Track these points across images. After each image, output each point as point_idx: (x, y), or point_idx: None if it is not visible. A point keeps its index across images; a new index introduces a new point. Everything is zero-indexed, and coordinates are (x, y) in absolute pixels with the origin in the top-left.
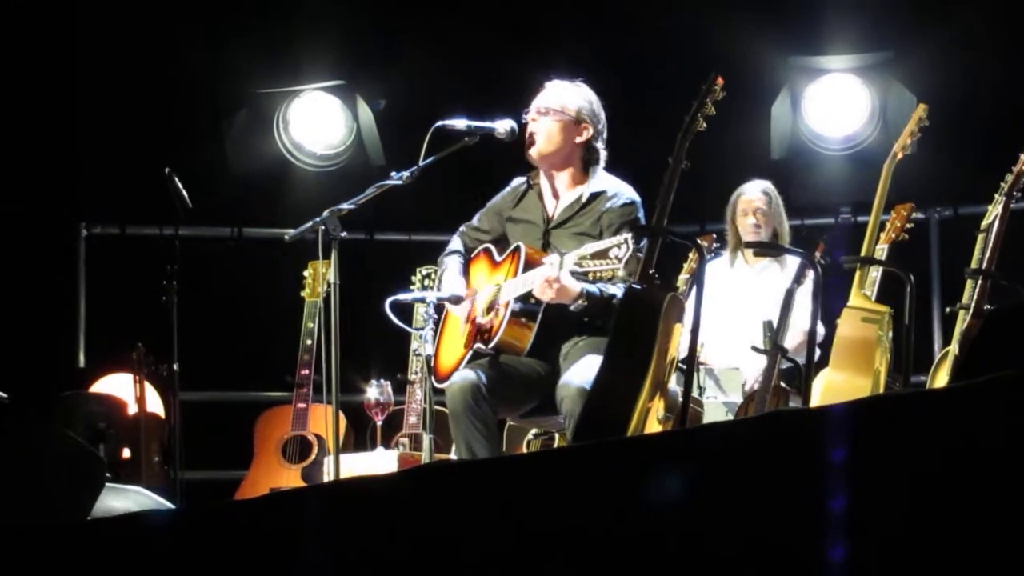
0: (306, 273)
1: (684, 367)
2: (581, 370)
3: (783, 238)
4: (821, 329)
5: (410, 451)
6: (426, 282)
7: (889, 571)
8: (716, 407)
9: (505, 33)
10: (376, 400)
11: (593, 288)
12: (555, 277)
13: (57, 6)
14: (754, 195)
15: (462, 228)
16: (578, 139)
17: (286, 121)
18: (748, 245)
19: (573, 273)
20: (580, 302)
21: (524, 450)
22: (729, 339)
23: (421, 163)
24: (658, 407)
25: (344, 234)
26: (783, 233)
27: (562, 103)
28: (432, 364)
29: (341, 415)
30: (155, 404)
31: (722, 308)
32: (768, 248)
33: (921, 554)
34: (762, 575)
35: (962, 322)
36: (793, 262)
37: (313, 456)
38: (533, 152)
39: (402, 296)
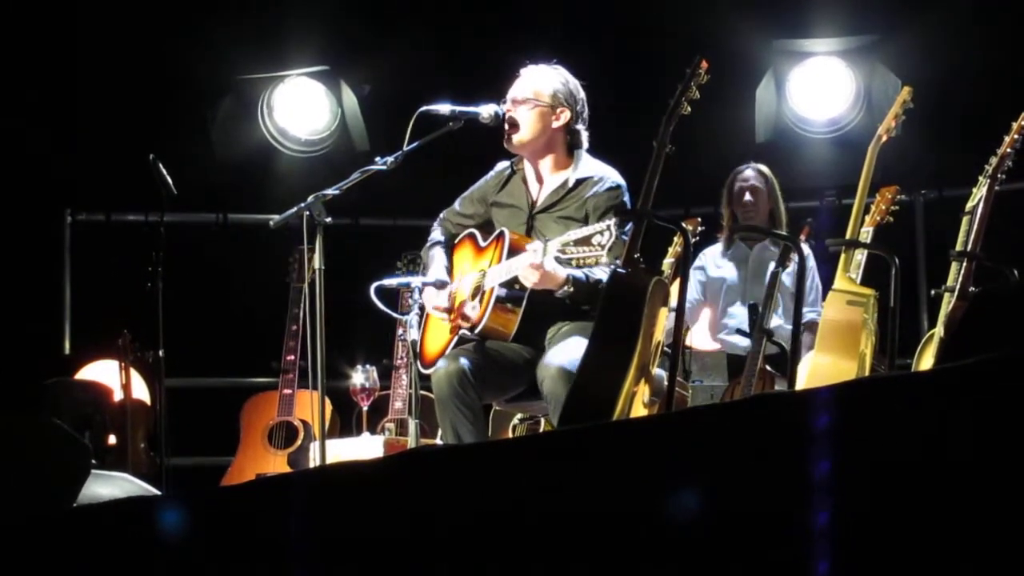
0: (291, 259)
1: (670, 351)
2: (562, 351)
3: (780, 221)
4: None
5: (396, 436)
6: (411, 267)
7: (874, 553)
8: (702, 391)
9: (489, 18)
10: (362, 385)
11: (579, 273)
12: (539, 263)
13: None
14: (748, 173)
15: (443, 215)
16: (555, 124)
17: (270, 107)
18: (735, 229)
19: (557, 259)
20: (566, 288)
21: (510, 435)
22: (729, 322)
23: (405, 148)
24: (643, 391)
25: (329, 219)
26: (780, 216)
27: (536, 90)
28: (418, 349)
29: (327, 401)
30: (141, 391)
31: (720, 291)
32: (754, 231)
33: (906, 535)
34: (748, 557)
35: (947, 304)
36: None
37: (299, 442)
38: (511, 142)
39: (387, 281)
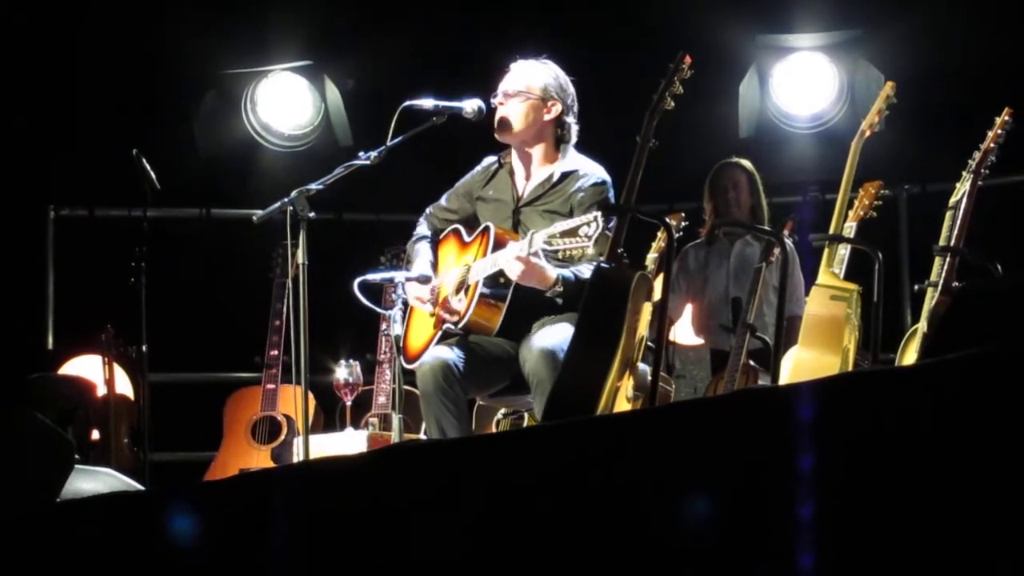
0: (275, 254)
1: (653, 345)
2: (546, 334)
3: (761, 216)
4: None
5: (379, 431)
6: (394, 262)
7: (857, 545)
8: (685, 385)
9: (472, 13)
10: (345, 380)
11: (568, 273)
12: (524, 255)
13: None
14: (730, 167)
15: (429, 210)
16: (547, 116)
17: (254, 102)
18: (717, 224)
19: (543, 251)
20: (556, 288)
21: (494, 429)
22: (711, 317)
23: (389, 143)
24: (627, 386)
25: (312, 214)
26: (762, 211)
27: (527, 83)
28: (401, 344)
29: (310, 395)
30: (124, 386)
31: (703, 287)
32: (736, 227)
33: (888, 528)
34: (731, 552)
35: (931, 299)
36: None
37: (282, 437)
38: (502, 134)
39: (371, 276)
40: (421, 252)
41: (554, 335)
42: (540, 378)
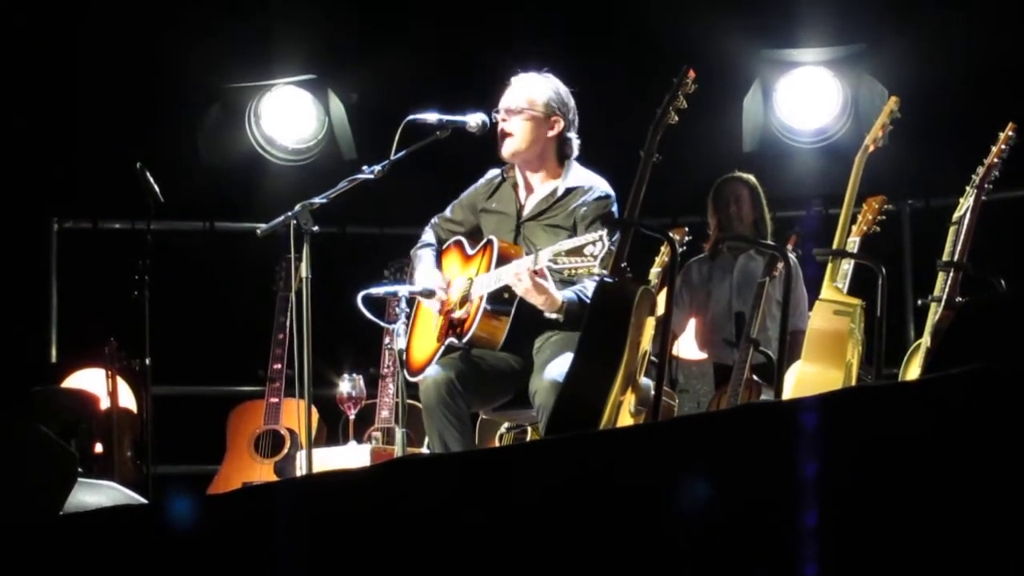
0: (278, 267)
1: (656, 360)
2: (556, 365)
3: (764, 230)
4: None
5: (383, 445)
6: (397, 275)
7: (861, 565)
8: (688, 400)
9: (476, 26)
10: (348, 394)
11: (572, 296)
12: (530, 272)
13: (28, 2)
14: (733, 181)
15: (434, 220)
16: (550, 133)
17: (258, 115)
18: (720, 239)
19: (549, 268)
20: (558, 316)
21: (497, 443)
22: (714, 332)
23: (392, 157)
24: (630, 400)
25: (316, 228)
26: (765, 226)
27: (530, 99)
28: (404, 358)
29: (313, 409)
30: (127, 399)
31: (706, 301)
32: (740, 241)
33: (892, 545)
34: (734, 567)
35: (934, 314)
36: None
37: (285, 450)
38: (506, 152)
39: (374, 290)
40: (424, 260)
41: (566, 366)
42: (549, 410)
